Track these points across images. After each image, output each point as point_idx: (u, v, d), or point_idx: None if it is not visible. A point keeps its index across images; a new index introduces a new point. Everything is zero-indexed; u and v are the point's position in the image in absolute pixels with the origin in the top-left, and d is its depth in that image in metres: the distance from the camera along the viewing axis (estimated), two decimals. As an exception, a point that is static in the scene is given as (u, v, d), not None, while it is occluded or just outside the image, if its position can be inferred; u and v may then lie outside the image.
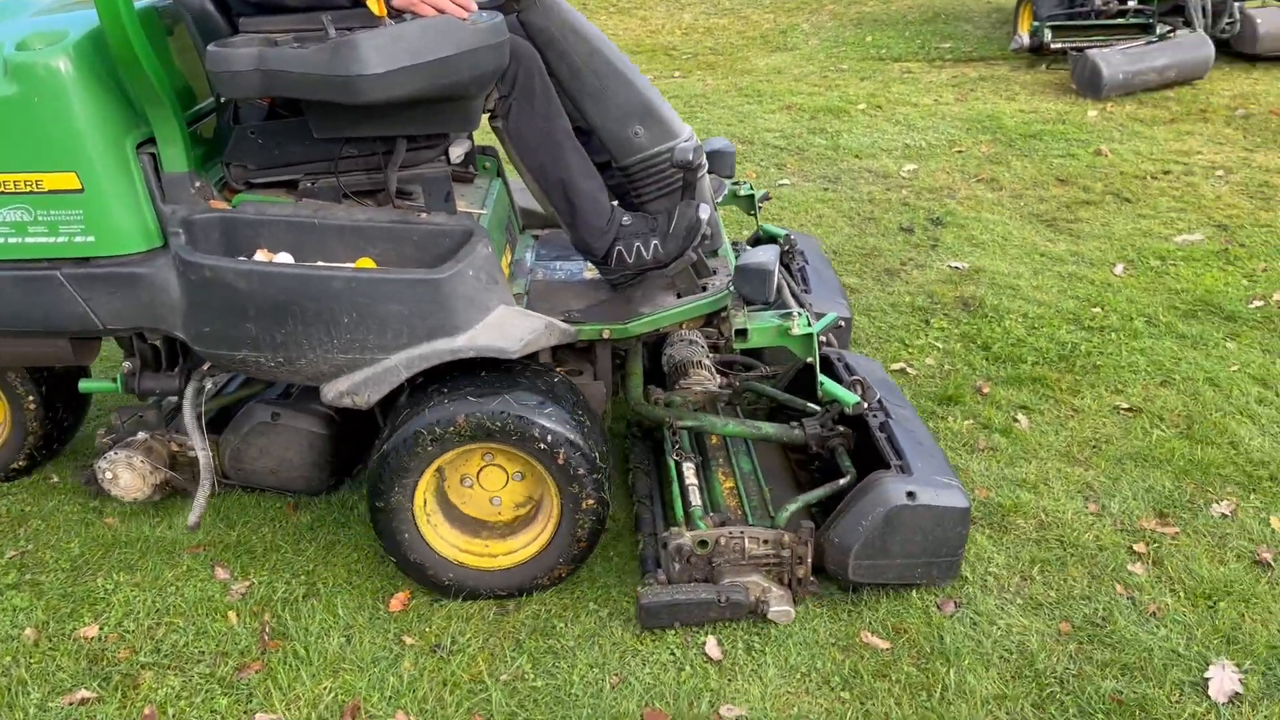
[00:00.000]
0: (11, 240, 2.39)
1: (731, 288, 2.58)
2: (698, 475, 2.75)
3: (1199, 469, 3.04)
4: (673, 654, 2.43)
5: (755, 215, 3.63)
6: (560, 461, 2.42)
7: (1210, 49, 6.79)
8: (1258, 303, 4.04)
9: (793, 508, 2.56)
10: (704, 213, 2.60)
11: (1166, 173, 5.48)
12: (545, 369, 2.60)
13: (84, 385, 2.91)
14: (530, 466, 2.52)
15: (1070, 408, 3.40)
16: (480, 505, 2.61)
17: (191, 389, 2.66)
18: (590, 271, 2.87)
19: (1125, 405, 3.40)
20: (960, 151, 5.97)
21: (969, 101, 6.94)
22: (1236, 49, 7.22)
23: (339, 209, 2.47)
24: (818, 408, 2.86)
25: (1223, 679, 2.29)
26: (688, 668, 2.39)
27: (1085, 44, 7.19)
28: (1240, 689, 2.27)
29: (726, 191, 3.48)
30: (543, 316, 2.47)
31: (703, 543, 2.48)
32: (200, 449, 2.66)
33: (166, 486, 2.89)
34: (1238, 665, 2.33)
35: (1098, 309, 4.05)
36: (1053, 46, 7.41)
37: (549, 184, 2.61)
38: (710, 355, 3.21)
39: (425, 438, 2.39)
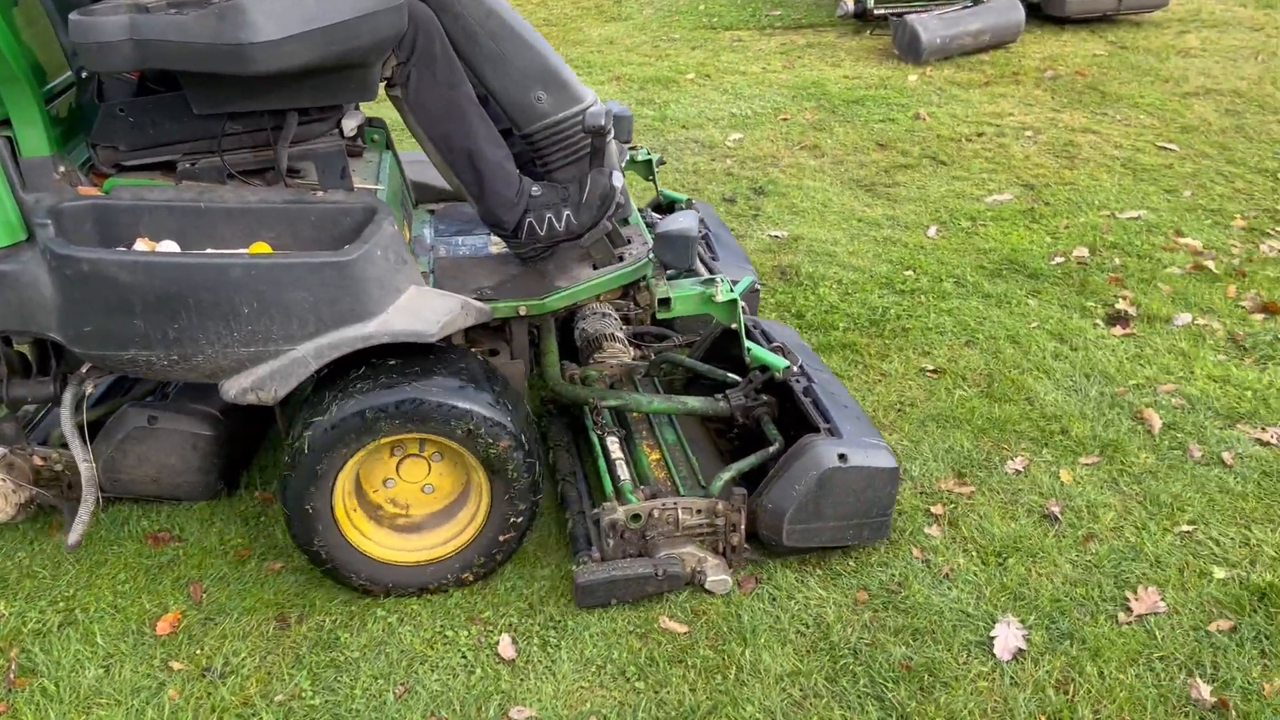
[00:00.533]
0: None
1: (651, 256, 2.53)
2: (623, 449, 2.70)
3: (996, 427, 3.10)
4: (463, 657, 2.32)
5: (654, 181, 3.57)
6: (487, 446, 2.31)
7: (1021, 13, 7.00)
8: (1058, 259, 4.17)
9: (726, 476, 2.54)
10: (617, 180, 2.55)
11: (980, 134, 5.61)
12: (460, 351, 2.46)
13: None
14: (454, 453, 2.39)
15: (879, 372, 3.42)
16: (406, 497, 2.48)
17: (70, 395, 2.42)
18: (496, 246, 2.76)
19: (931, 367, 3.44)
20: (785, 119, 5.99)
21: (796, 69, 6.98)
22: (1048, 12, 7.46)
23: (226, 191, 2.29)
24: (737, 377, 2.83)
25: (1007, 636, 2.32)
26: (478, 670, 2.29)
27: (906, 9, 7.31)
28: (1024, 645, 2.31)
29: (625, 158, 3.38)
30: (456, 295, 2.35)
31: (635, 516, 2.44)
32: (83, 460, 2.42)
33: (31, 505, 2.64)
34: (1022, 621, 2.37)
35: (910, 272, 4.10)
36: (876, 12, 7.51)
37: (454, 155, 2.50)
38: (623, 328, 3.14)
39: (343, 430, 2.24)
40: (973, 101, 6.13)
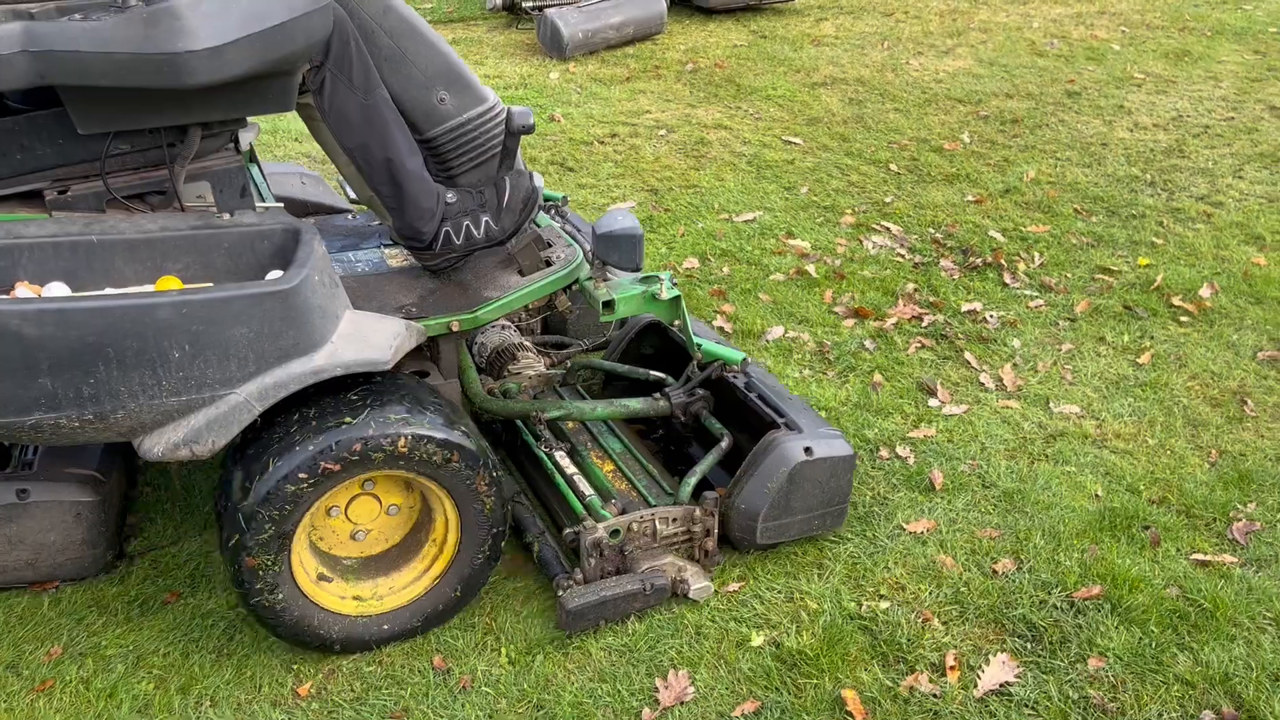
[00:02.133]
0: None
1: (593, 258, 2.46)
2: (574, 463, 2.61)
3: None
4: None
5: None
6: (463, 477, 2.14)
7: (662, 4, 6.88)
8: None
9: (693, 481, 2.49)
10: (538, 181, 2.50)
11: (614, 135, 5.40)
12: (394, 376, 2.20)
13: None
14: (412, 489, 2.23)
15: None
16: (345, 542, 2.25)
17: None
18: (394, 259, 2.56)
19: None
20: (413, 127, 5.56)
21: (438, 68, 6.55)
22: (696, 3, 7.41)
23: (117, 221, 2.04)
24: (661, 375, 2.81)
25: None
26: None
27: (549, 2, 7.04)
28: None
29: None
30: (394, 318, 2.18)
31: (614, 532, 2.37)
32: None
33: None
34: (537, 737, 2.09)
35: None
36: (524, 6, 7.20)
37: (372, 165, 2.33)
38: (524, 338, 2.99)
39: (303, 480, 2.00)
40: (612, 99, 5.93)
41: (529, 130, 2.39)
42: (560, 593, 2.29)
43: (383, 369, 2.05)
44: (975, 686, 2.19)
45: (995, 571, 2.50)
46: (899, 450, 2.95)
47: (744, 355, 2.62)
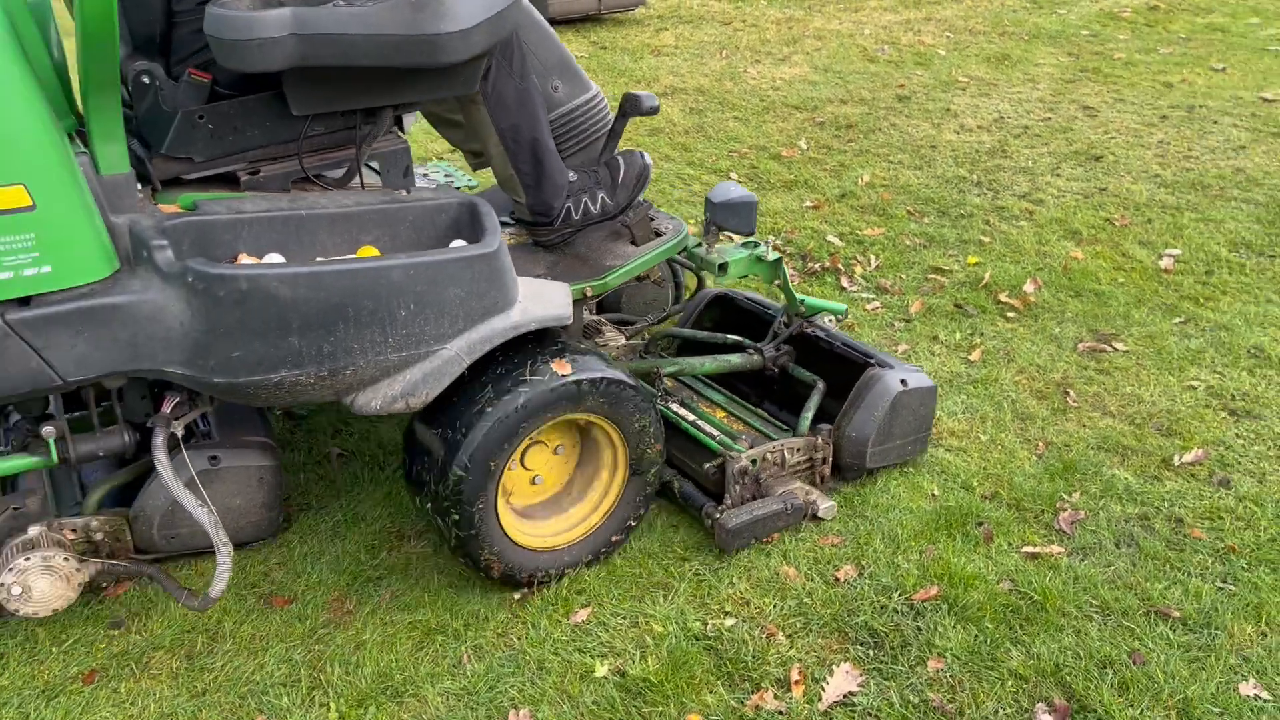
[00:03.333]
0: None
1: (707, 224, 2.75)
2: (691, 412, 2.89)
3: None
4: None
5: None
6: (632, 410, 2.42)
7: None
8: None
9: (809, 415, 2.81)
10: (648, 159, 2.77)
11: (453, 151, 5.29)
12: (554, 333, 2.43)
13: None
14: (570, 430, 2.49)
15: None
16: (525, 489, 2.51)
17: (161, 440, 2.12)
18: (506, 238, 2.56)
19: None
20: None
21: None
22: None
23: (320, 197, 2.23)
24: (738, 338, 3.06)
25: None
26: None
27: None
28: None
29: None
30: (556, 281, 2.43)
31: (753, 461, 2.65)
32: (197, 507, 2.11)
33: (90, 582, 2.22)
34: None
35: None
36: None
37: (520, 144, 2.53)
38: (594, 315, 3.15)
39: (516, 424, 2.24)
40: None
41: (655, 111, 2.68)
42: (717, 515, 2.57)
43: (566, 324, 2.30)
44: (820, 700, 2.18)
45: (837, 579, 2.51)
46: (742, 462, 2.95)
47: (844, 307, 3.14)
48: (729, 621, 2.38)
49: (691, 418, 2.85)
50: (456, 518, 2.26)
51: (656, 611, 2.41)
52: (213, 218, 2.04)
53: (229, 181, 2.24)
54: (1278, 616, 2.37)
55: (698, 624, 2.37)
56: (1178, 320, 3.69)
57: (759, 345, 3.00)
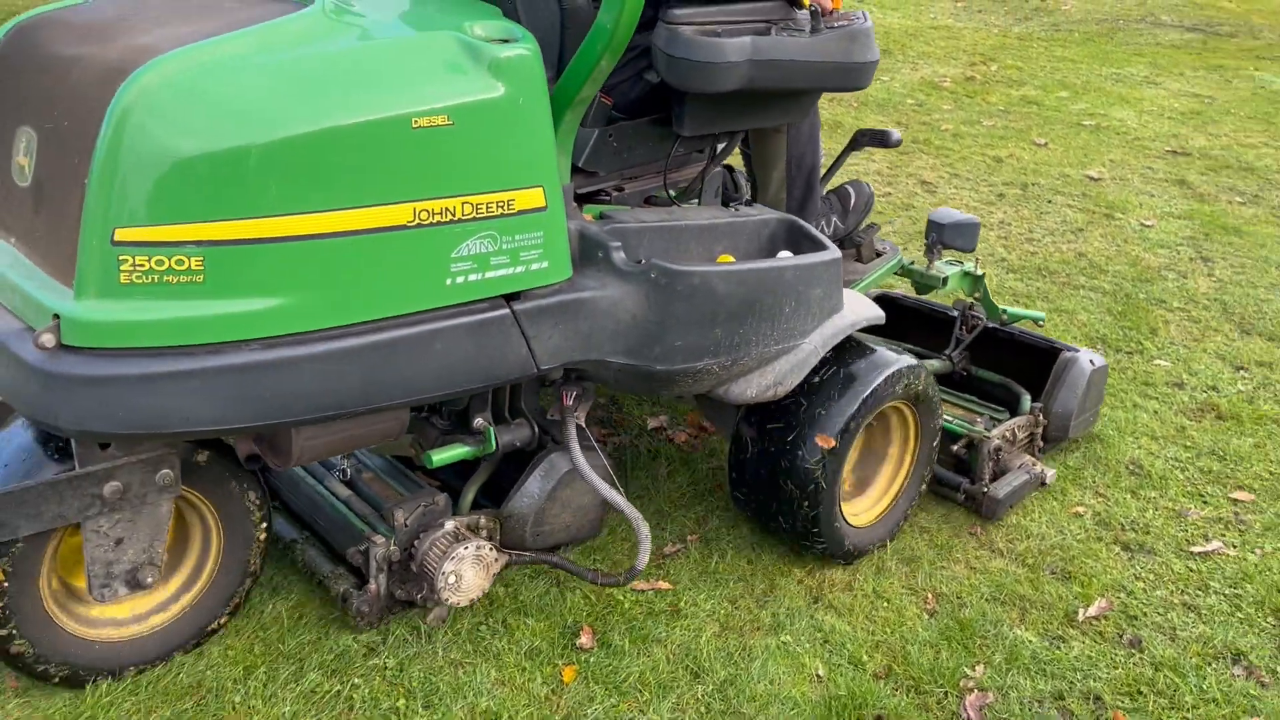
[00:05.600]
0: (471, 278, 1.95)
1: (937, 243, 3.24)
2: None
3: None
4: None
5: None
6: (930, 392, 2.71)
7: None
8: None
9: (1026, 399, 3.18)
10: (870, 189, 3.16)
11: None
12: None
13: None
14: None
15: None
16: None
17: (572, 430, 2.27)
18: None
19: None
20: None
21: None
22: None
23: (689, 211, 2.46)
24: (909, 345, 3.10)
25: None
26: None
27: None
28: None
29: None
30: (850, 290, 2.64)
31: (1001, 439, 2.99)
32: (611, 492, 2.27)
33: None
34: None
35: None
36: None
37: (800, 172, 2.81)
38: None
39: (866, 413, 2.51)
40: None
41: (899, 144, 3.03)
42: (985, 489, 2.88)
43: (880, 322, 2.58)
44: None
45: (718, 816, 2.00)
46: (592, 640, 2.41)
47: (1044, 314, 3.82)
48: None
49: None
50: (808, 505, 2.49)
51: None
52: (631, 225, 2.25)
53: (586, 198, 2.43)
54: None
55: None
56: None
57: (949, 353, 3.27)
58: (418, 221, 1.84)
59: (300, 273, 1.76)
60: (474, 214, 1.90)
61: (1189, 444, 3.37)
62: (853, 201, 3.03)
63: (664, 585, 2.63)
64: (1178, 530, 2.95)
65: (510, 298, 2.01)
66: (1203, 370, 3.83)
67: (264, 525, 2.23)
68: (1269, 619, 2.61)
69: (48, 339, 1.65)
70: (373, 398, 1.88)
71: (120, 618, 2.11)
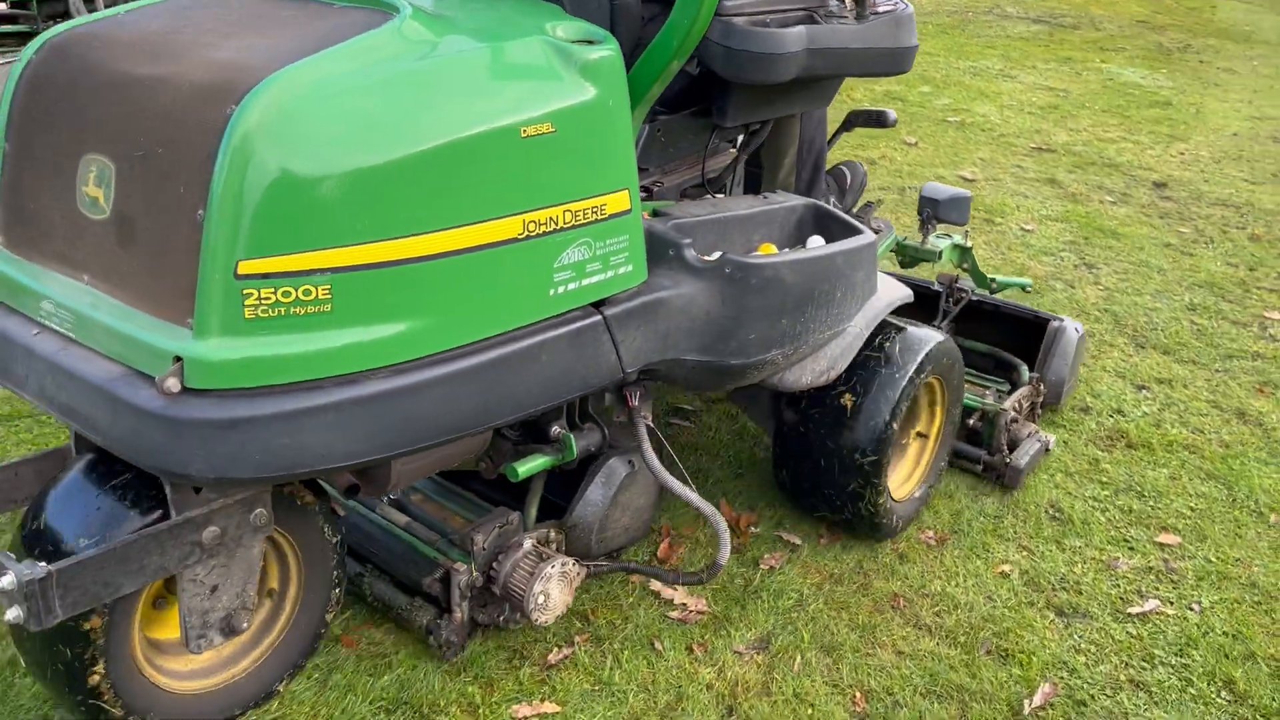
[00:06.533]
0: (570, 286, 1.93)
1: (931, 218, 3.33)
2: None
3: None
4: None
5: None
6: (956, 368, 2.82)
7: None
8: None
9: (1025, 369, 3.30)
10: (864, 168, 3.24)
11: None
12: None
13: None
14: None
15: None
16: None
17: (644, 430, 2.21)
18: None
19: None
20: None
21: None
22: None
23: (729, 202, 2.47)
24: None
25: None
26: None
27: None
28: None
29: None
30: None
31: (1013, 410, 3.09)
32: (686, 490, 2.20)
33: None
34: None
35: None
36: None
37: (812, 152, 2.83)
38: None
39: (914, 389, 2.59)
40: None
41: (894, 124, 3.09)
42: (1008, 459, 2.99)
43: (909, 301, 2.66)
44: None
45: None
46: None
47: (1030, 281, 3.92)
48: None
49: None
50: (859, 484, 2.56)
51: None
52: (688, 221, 2.25)
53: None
54: None
55: None
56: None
57: (938, 324, 3.28)
58: (526, 233, 1.82)
59: (423, 295, 1.71)
60: (573, 221, 1.89)
61: (1105, 479, 3.15)
62: (849, 180, 3.07)
63: (550, 708, 2.20)
64: (1110, 586, 2.70)
65: (598, 304, 2.00)
66: (1105, 391, 3.64)
67: (341, 560, 2.15)
68: (1223, 694, 2.37)
69: (173, 383, 1.55)
70: (488, 417, 1.85)
71: (202, 667, 2.03)
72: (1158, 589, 2.70)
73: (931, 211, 3.32)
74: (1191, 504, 3.06)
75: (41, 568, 1.56)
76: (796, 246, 2.48)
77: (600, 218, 1.92)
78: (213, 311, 1.57)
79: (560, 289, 1.89)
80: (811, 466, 2.61)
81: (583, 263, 1.92)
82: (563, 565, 2.19)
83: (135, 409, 1.57)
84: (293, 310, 1.60)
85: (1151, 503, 3.05)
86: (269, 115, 1.57)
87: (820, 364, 2.45)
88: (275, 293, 1.58)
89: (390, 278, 1.66)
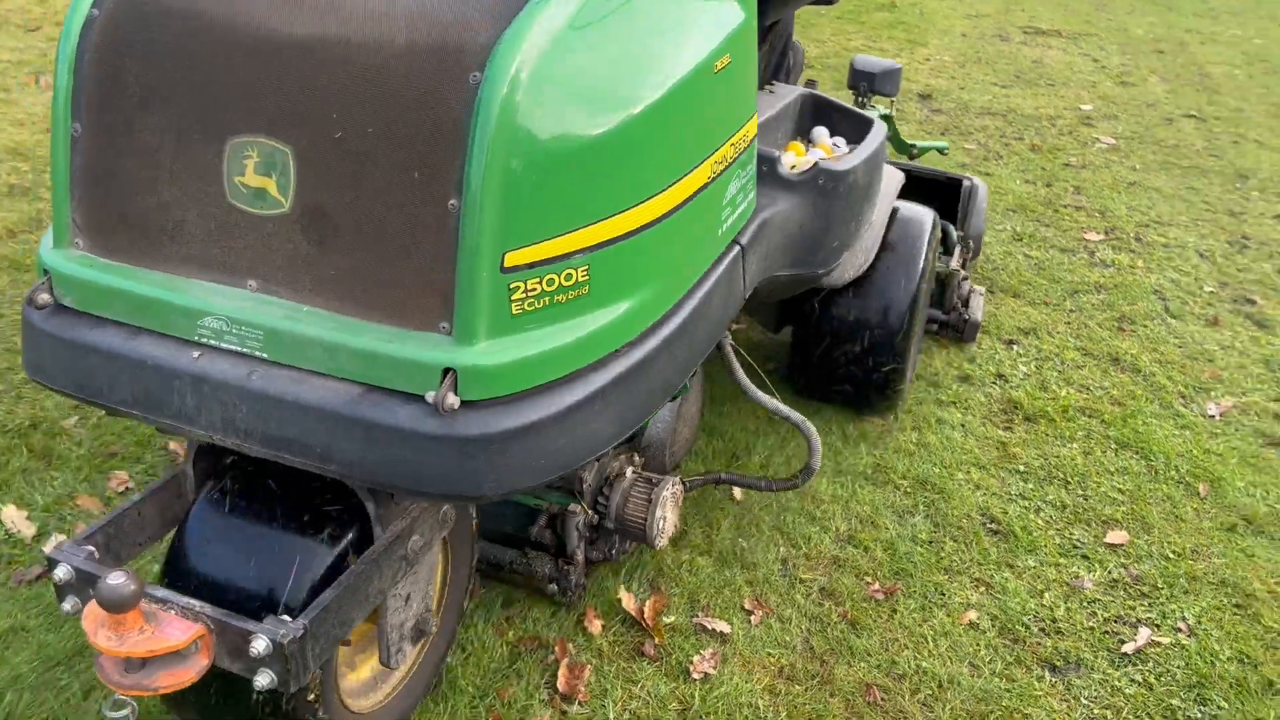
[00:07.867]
0: (729, 223, 1.86)
1: (868, 90, 3.35)
2: None
3: None
4: None
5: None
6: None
7: None
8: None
9: (952, 230, 3.22)
10: (802, 46, 3.18)
11: None
12: None
13: None
14: None
15: None
16: None
17: (730, 350, 2.15)
18: None
19: None
20: None
21: None
22: None
23: (762, 100, 2.41)
24: None
25: None
26: None
27: None
28: None
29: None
30: None
31: (959, 272, 3.26)
32: (773, 401, 2.19)
33: None
34: None
35: None
36: None
37: (780, 39, 2.77)
38: None
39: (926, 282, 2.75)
40: None
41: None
42: (966, 315, 3.18)
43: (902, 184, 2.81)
44: None
45: None
46: None
47: (946, 144, 3.97)
48: None
49: None
50: (887, 360, 2.65)
51: None
52: None
53: None
54: None
55: None
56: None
57: None
58: (712, 175, 1.73)
59: (651, 261, 1.59)
60: (734, 155, 1.83)
61: (1021, 468, 2.75)
62: (791, 60, 3.01)
63: None
64: (1089, 619, 2.29)
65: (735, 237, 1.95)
66: (977, 354, 3.26)
67: (476, 538, 2.00)
68: (1266, 747, 2.02)
69: (452, 400, 1.36)
70: (688, 370, 1.75)
71: (366, 680, 1.84)
72: (1134, 610, 2.33)
73: (868, 84, 3.34)
74: (1117, 484, 2.73)
75: (296, 624, 1.40)
76: (806, 140, 2.52)
77: (747, 146, 1.89)
78: (479, 312, 1.40)
79: (723, 227, 1.83)
80: (840, 359, 2.67)
81: (735, 196, 1.87)
82: (673, 486, 2.09)
83: (401, 432, 1.39)
84: (555, 299, 1.47)
85: (1079, 491, 2.69)
86: (527, 83, 1.36)
87: (859, 257, 2.48)
88: (540, 282, 1.45)
89: (631, 248, 1.55)
